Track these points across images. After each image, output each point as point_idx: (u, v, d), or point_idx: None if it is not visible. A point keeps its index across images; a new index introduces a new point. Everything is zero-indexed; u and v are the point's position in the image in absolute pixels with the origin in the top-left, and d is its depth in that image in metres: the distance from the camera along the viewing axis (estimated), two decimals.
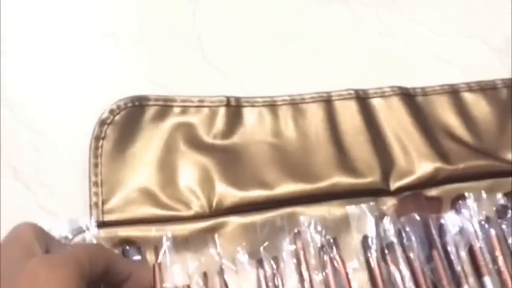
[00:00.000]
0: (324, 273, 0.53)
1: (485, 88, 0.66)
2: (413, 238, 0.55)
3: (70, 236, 0.53)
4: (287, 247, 0.54)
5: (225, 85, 0.66)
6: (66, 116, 0.63)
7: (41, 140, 0.61)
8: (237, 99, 0.62)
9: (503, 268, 0.54)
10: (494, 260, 0.55)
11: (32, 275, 0.40)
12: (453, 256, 0.54)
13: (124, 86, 0.63)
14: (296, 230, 0.55)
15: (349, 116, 0.63)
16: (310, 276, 0.53)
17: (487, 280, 0.54)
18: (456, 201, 0.58)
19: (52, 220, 0.56)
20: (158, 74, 0.66)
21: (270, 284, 0.53)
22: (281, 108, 0.62)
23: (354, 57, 0.70)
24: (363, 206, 0.56)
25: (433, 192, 0.59)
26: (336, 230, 0.56)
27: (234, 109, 0.62)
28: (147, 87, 0.64)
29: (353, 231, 0.56)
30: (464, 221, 0.56)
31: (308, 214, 0.56)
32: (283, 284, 0.53)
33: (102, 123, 0.58)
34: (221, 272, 0.53)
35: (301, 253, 0.54)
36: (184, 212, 0.56)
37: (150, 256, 0.53)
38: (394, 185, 0.59)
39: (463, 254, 0.55)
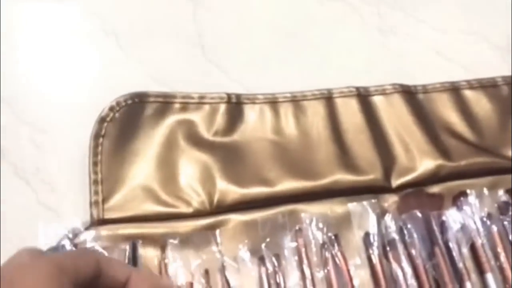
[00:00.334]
0: (325, 270, 0.53)
1: (486, 86, 0.66)
2: (415, 235, 0.55)
3: (70, 236, 0.53)
4: (288, 244, 0.54)
5: (225, 82, 0.66)
6: (67, 114, 0.63)
7: (41, 138, 0.61)
8: (238, 96, 0.62)
9: (505, 264, 0.54)
10: (496, 257, 0.55)
11: (11, 276, 0.40)
12: (455, 253, 0.54)
13: (125, 84, 0.63)
14: (297, 227, 0.55)
15: (350, 114, 0.63)
16: (311, 273, 0.53)
17: (489, 276, 0.54)
18: (458, 198, 0.58)
19: (53, 219, 0.56)
20: (159, 72, 0.66)
21: (272, 281, 0.53)
22: (282, 105, 0.62)
23: (355, 54, 0.70)
24: (365, 203, 0.57)
25: (434, 189, 0.59)
26: (337, 227, 0.56)
27: (235, 106, 0.62)
28: (147, 84, 0.64)
29: (354, 228, 0.56)
30: (466, 218, 0.56)
31: (309, 211, 0.56)
32: (284, 281, 0.53)
33: (102, 120, 0.58)
34: (222, 269, 0.53)
35: (303, 250, 0.54)
36: (185, 210, 0.56)
37: (151, 254, 0.53)
38: (395, 182, 0.59)
39: (465, 250, 0.55)
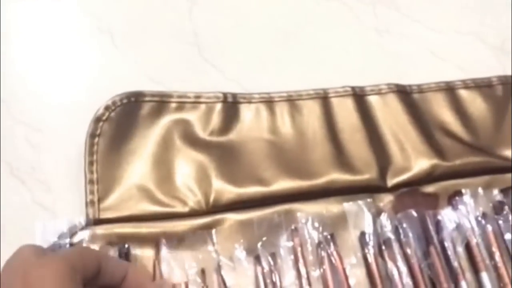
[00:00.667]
0: (321, 270, 0.53)
1: (481, 85, 0.66)
2: (410, 234, 0.55)
3: (67, 235, 0.53)
4: (284, 243, 0.54)
5: (221, 81, 0.66)
6: (62, 113, 0.63)
7: (37, 137, 0.61)
8: (234, 95, 0.62)
9: (500, 263, 0.55)
10: (491, 256, 0.55)
11: (25, 276, 0.40)
12: (450, 252, 0.55)
13: (121, 82, 0.63)
14: (293, 227, 0.55)
15: (345, 113, 0.63)
16: (307, 272, 0.53)
17: (484, 275, 0.54)
18: (453, 198, 0.58)
19: (49, 218, 0.56)
20: (155, 70, 0.66)
21: (268, 280, 0.53)
22: (278, 105, 0.62)
23: (351, 54, 0.70)
24: (360, 202, 0.57)
25: (430, 188, 0.59)
26: (333, 226, 0.56)
27: (231, 105, 0.62)
28: (143, 83, 0.64)
29: (350, 228, 0.56)
30: (461, 217, 0.57)
31: (305, 210, 0.56)
32: (280, 281, 0.53)
33: (98, 119, 0.58)
34: (218, 268, 0.53)
35: (299, 249, 0.54)
36: (181, 209, 0.56)
37: (147, 253, 0.53)
38: (391, 181, 0.59)
39: (460, 250, 0.56)
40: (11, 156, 0.60)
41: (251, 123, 0.61)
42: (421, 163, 0.60)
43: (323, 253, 0.54)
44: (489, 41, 0.72)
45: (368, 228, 0.56)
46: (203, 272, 0.53)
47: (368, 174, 0.59)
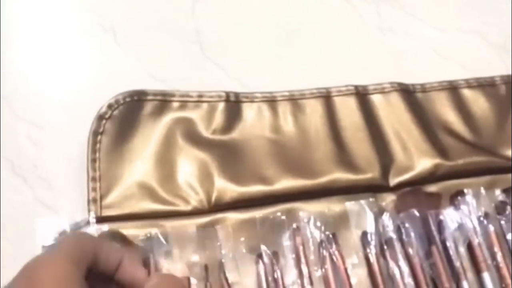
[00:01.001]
0: (323, 269, 0.53)
1: (484, 85, 0.66)
2: (412, 234, 0.55)
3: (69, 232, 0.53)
4: (286, 242, 0.54)
5: (223, 80, 0.66)
6: (64, 110, 0.63)
7: (39, 134, 0.61)
8: (236, 95, 0.62)
9: (501, 264, 0.55)
10: (493, 256, 0.55)
11: (29, 277, 0.40)
12: (452, 252, 0.55)
13: (123, 80, 0.63)
14: (295, 226, 0.55)
15: (348, 112, 0.63)
16: (309, 271, 0.53)
17: (486, 276, 0.54)
18: (455, 197, 0.58)
19: (51, 215, 0.56)
20: (157, 68, 0.66)
21: (270, 279, 0.53)
22: (281, 104, 0.62)
23: (354, 52, 0.70)
24: (362, 202, 0.57)
25: (432, 188, 0.59)
26: (335, 226, 0.56)
27: (233, 105, 0.62)
28: (145, 81, 0.64)
29: (352, 227, 0.56)
30: (463, 217, 0.57)
31: (307, 209, 0.56)
32: (282, 279, 0.53)
33: (101, 117, 0.58)
34: (221, 266, 0.53)
35: (301, 248, 0.54)
36: (183, 208, 0.56)
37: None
38: (393, 181, 0.59)
39: (462, 250, 0.56)
40: (13, 154, 0.60)
41: (254, 122, 0.61)
42: (424, 163, 0.60)
43: (325, 253, 0.54)
44: (492, 40, 0.71)
45: (370, 228, 0.56)
46: (206, 269, 0.53)
47: (370, 173, 0.59)
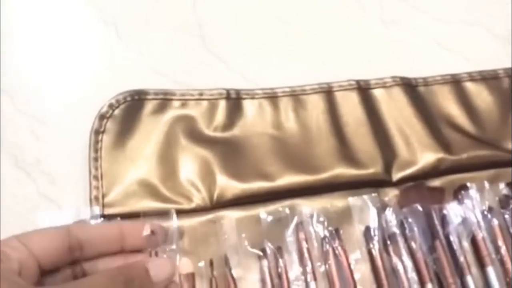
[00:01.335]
0: (326, 264, 0.53)
1: (487, 78, 0.66)
2: (416, 229, 0.55)
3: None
4: (289, 238, 0.54)
5: (225, 73, 0.66)
6: (67, 104, 0.63)
7: (42, 129, 0.61)
8: (237, 92, 0.62)
9: (506, 258, 0.55)
10: (497, 250, 0.55)
11: None
12: (455, 247, 0.54)
13: (125, 75, 0.63)
14: (298, 221, 0.55)
15: (350, 107, 0.62)
16: (312, 267, 0.53)
17: (490, 270, 0.54)
18: (459, 192, 0.58)
19: (54, 209, 0.56)
20: (159, 62, 0.66)
21: (274, 274, 0.53)
22: (282, 100, 0.62)
23: (357, 45, 0.69)
24: (365, 197, 0.57)
25: (435, 182, 0.59)
26: (338, 221, 0.56)
27: (234, 102, 0.61)
28: (147, 75, 0.64)
29: (355, 222, 0.56)
30: (466, 211, 0.56)
31: (310, 205, 0.57)
32: (286, 275, 0.53)
33: (102, 117, 0.58)
34: (226, 261, 0.53)
35: (304, 244, 0.54)
36: (186, 205, 0.56)
37: None
38: (396, 176, 0.59)
39: (466, 244, 0.56)
40: (16, 148, 0.60)
41: (255, 119, 0.61)
42: (427, 157, 0.60)
43: (328, 248, 0.54)
44: (496, 32, 0.71)
45: (373, 223, 0.56)
46: (211, 264, 0.53)
47: (373, 168, 0.59)
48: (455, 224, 0.55)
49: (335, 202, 0.57)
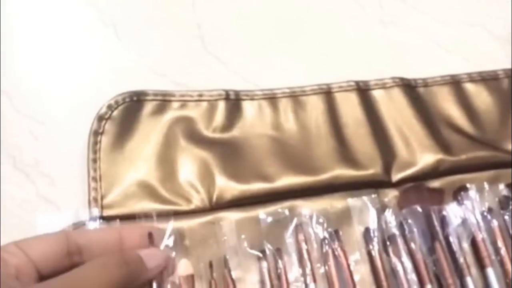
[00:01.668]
0: (326, 266, 0.53)
1: (487, 79, 0.66)
2: (415, 230, 0.55)
3: (71, 229, 0.53)
4: (289, 239, 0.54)
5: (225, 74, 0.66)
6: (66, 105, 0.63)
7: (41, 130, 0.61)
8: (236, 93, 0.62)
9: (505, 259, 0.54)
10: (497, 251, 0.55)
11: None
12: (455, 248, 0.54)
13: (124, 75, 0.63)
14: (298, 223, 0.55)
15: (350, 108, 0.62)
16: (312, 268, 0.53)
17: (490, 271, 0.54)
18: (458, 193, 0.58)
19: (53, 211, 0.56)
20: (158, 63, 0.66)
21: (273, 275, 0.53)
22: (281, 101, 0.62)
23: (356, 47, 0.69)
24: (365, 198, 0.56)
25: (435, 183, 0.59)
26: (337, 222, 0.56)
27: (234, 103, 0.61)
28: (146, 76, 0.64)
29: (354, 224, 0.56)
30: (466, 212, 0.56)
31: (309, 206, 0.56)
32: (285, 276, 0.53)
33: (100, 118, 0.58)
34: (225, 263, 0.53)
35: (303, 245, 0.54)
36: (185, 207, 0.56)
37: None
38: (395, 177, 0.59)
39: (466, 245, 0.55)
40: (15, 149, 0.60)
41: (254, 120, 0.61)
42: (426, 158, 0.59)
43: (328, 249, 0.54)
44: (496, 33, 0.71)
45: (373, 224, 0.55)
46: (211, 266, 0.53)
47: (372, 169, 0.59)
48: (454, 225, 0.55)
49: (334, 203, 0.57)
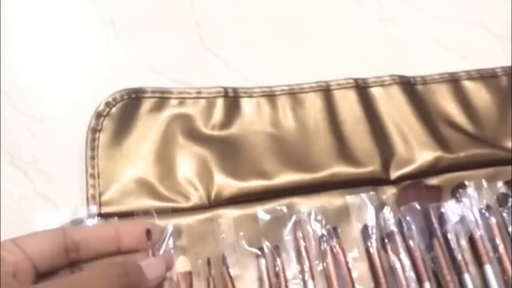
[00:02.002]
0: (324, 263, 0.53)
1: (485, 76, 0.66)
2: (413, 227, 0.55)
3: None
4: (287, 236, 0.54)
5: (223, 71, 0.66)
6: (64, 102, 0.63)
7: (39, 127, 0.61)
8: (235, 90, 0.62)
9: (503, 256, 0.54)
10: (495, 249, 0.55)
11: None
12: (453, 245, 0.54)
13: (122, 73, 0.63)
14: (296, 220, 0.55)
15: (348, 106, 0.62)
16: (310, 265, 0.53)
17: (488, 268, 0.54)
18: (457, 190, 0.58)
19: (51, 208, 0.56)
20: (156, 61, 0.66)
21: (271, 273, 0.53)
22: (280, 98, 0.62)
23: (355, 44, 0.69)
24: (363, 195, 0.57)
25: (433, 181, 0.59)
26: (336, 219, 0.56)
27: (232, 100, 0.61)
28: (145, 73, 0.64)
29: (353, 221, 0.56)
30: (464, 209, 0.56)
31: (308, 204, 0.56)
32: (284, 273, 0.53)
33: (98, 115, 0.58)
34: (223, 260, 0.53)
35: (301, 242, 0.54)
36: (183, 204, 0.56)
37: None
38: (394, 174, 0.59)
39: (464, 242, 0.55)
40: (13, 146, 0.60)
41: (253, 117, 0.61)
42: (425, 155, 0.60)
43: (326, 246, 0.54)
44: (495, 31, 0.71)
45: (371, 221, 0.55)
46: (209, 263, 0.53)
47: (371, 167, 0.59)
48: (453, 223, 0.55)
49: (333, 200, 0.57)
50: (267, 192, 0.57)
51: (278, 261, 0.53)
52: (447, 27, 0.71)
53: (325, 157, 0.59)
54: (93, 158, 0.57)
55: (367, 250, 0.55)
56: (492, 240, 0.55)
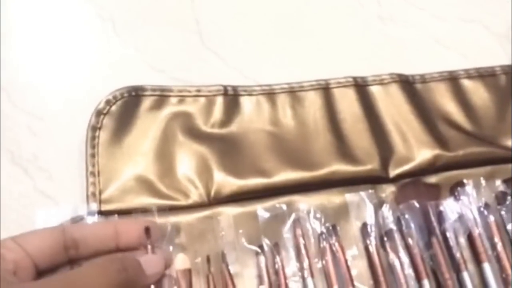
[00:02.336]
0: (323, 261, 0.53)
1: (484, 75, 0.66)
2: (412, 225, 0.55)
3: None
4: (286, 234, 0.54)
5: (223, 70, 0.66)
6: (64, 100, 0.63)
7: (39, 125, 0.61)
8: (235, 88, 0.62)
9: (502, 254, 0.54)
10: (493, 247, 0.55)
11: None
12: (452, 243, 0.54)
13: (122, 71, 0.63)
14: (295, 218, 0.55)
15: (347, 104, 0.62)
16: (309, 263, 0.53)
17: (486, 266, 0.54)
18: (455, 188, 0.58)
19: (51, 206, 0.56)
20: (156, 59, 0.66)
21: (271, 270, 0.53)
22: (279, 96, 0.62)
23: (354, 43, 0.69)
24: (362, 193, 0.57)
25: (432, 179, 0.59)
26: (335, 217, 0.56)
27: (232, 98, 0.61)
28: (145, 71, 0.64)
29: (352, 219, 0.56)
30: (463, 208, 0.56)
31: (307, 201, 0.57)
32: (283, 271, 0.53)
33: (99, 113, 0.58)
34: (222, 258, 0.53)
35: (301, 240, 0.54)
36: (183, 202, 0.56)
37: None
38: (393, 172, 0.59)
39: (462, 240, 0.55)
40: (13, 144, 0.60)
41: (252, 115, 0.61)
42: (424, 154, 0.60)
43: (325, 244, 0.54)
44: (494, 29, 0.71)
45: (370, 219, 0.55)
46: (208, 260, 0.53)
47: (370, 165, 0.59)
48: (451, 221, 0.56)
49: (332, 198, 0.57)
50: (267, 190, 0.57)
51: (278, 259, 0.53)
52: (446, 25, 0.71)
53: (325, 155, 0.59)
54: (93, 156, 0.57)
55: (366, 248, 0.55)
56: (490, 238, 0.56)
